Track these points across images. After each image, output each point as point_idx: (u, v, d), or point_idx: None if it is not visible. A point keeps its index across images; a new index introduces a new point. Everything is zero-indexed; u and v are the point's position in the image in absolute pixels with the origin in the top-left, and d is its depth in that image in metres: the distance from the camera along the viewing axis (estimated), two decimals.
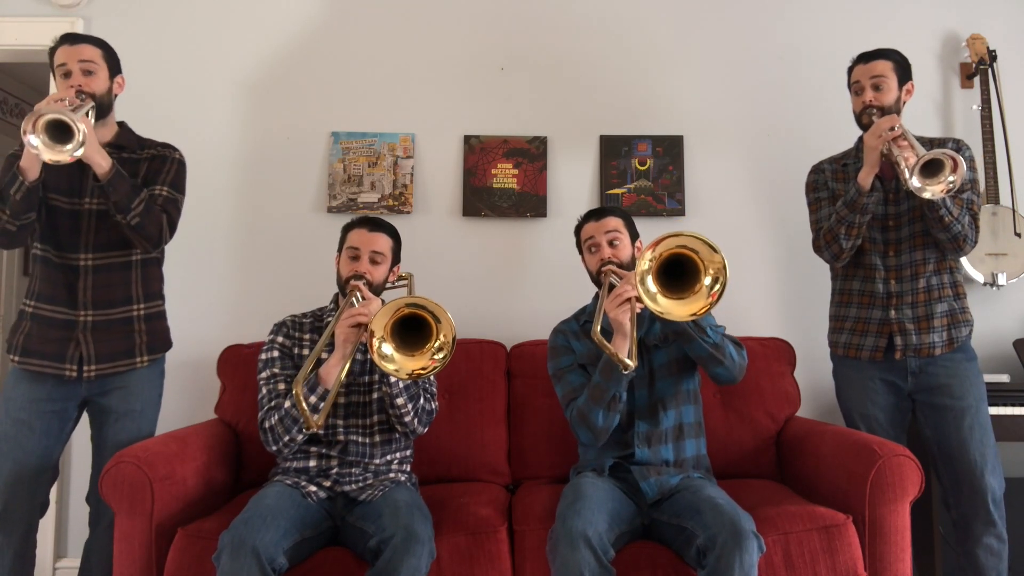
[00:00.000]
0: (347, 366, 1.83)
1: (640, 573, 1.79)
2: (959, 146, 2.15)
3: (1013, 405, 2.44)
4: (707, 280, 1.71)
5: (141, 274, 2.12)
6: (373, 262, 2.05)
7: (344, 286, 2.05)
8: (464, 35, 2.88)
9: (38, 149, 1.76)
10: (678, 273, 1.74)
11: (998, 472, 2.10)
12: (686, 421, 2.05)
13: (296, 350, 2.07)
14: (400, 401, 1.95)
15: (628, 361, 1.70)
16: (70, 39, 2.01)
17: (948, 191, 1.91)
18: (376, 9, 2.89)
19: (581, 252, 2.18)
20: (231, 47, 2.86)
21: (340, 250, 2.12)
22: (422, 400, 2.01)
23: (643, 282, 1.71)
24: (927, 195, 1.92)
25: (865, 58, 2.17)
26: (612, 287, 1.94)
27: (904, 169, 1.92)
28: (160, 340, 2.18)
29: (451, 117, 2.85)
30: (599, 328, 1.75)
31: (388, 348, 1.78)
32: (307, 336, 2.09)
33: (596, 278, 2.09)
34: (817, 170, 2.33)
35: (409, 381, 1.94)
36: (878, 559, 1.90)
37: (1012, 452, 2.57)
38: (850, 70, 2.21)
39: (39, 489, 2.04)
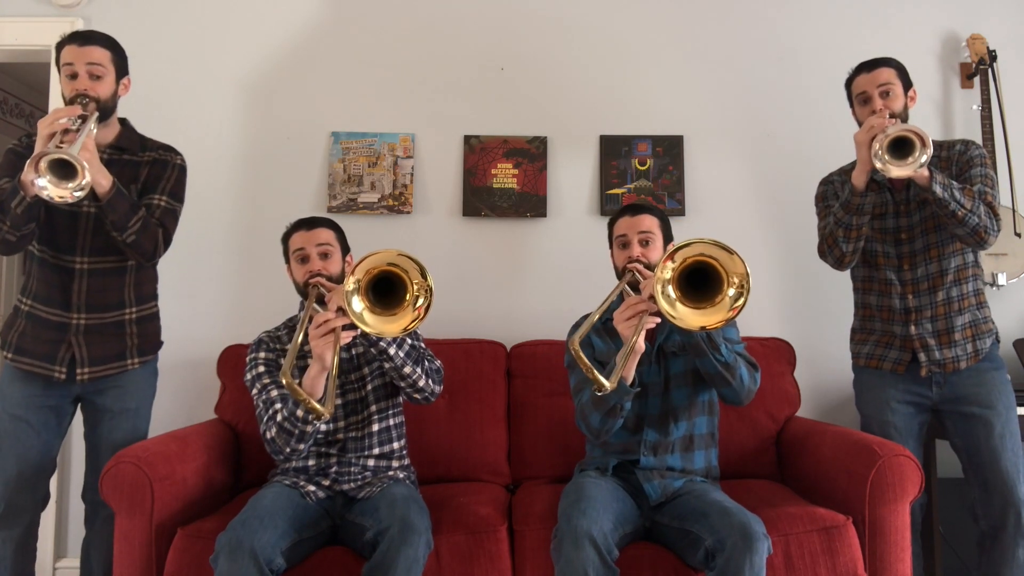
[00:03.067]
0: (335, 368, 1.78)
1: (641, 574, 1.79)
2: (967, 146, 2.11)
3: None
4: (731, 291, 1.66)
5: (135, 278, 2.11)
6: (324, 256, 2.02)
7: (304, 291, 2.00)
8: (464, 35, 2.88)
9: (47, 190, 1.77)
10: (702, 282, 1.70)
11: None
12: (697, 432, 2.02)
13: (281, 360, 2.05)
14: (408, 370, 1.93)
15: (605, 382, 1.64)
16: (80, 38, 1.98)
17: (913, 173, 1.88)
18: (376, 9, 2.89)
19: (611, 247, 2.13)
20: (231, 47, 2.86)
21: (288, 262, 2.09)
22: (427, 362, 2.00)
23: (663, 289, 1.67)
24: (892, 174, 1.89)
25: (868, 67, 2.11)
26: (633, 287, 1.92)
27: (875, 152, 1.89)
28: (150, 342, 2.16)
29: (451, 117, 2.85)
30: (578, 338, 1.71)
31: (373, 320, 1.74)
32: (287, 348, 2.06)
33: (621, 274, 2.04)
34: (826, 182, 2.29)
35: (408, 348, 1.94)
36: (878, 559, 1.90)
37: None
38: (850, 81, 2.16)
39: (40, 484, 2.06)
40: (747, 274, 1.64)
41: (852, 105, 2.19)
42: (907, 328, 2.11)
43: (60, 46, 1.99)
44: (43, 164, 1.75)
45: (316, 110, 2.84)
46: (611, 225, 2.13)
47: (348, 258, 2.10)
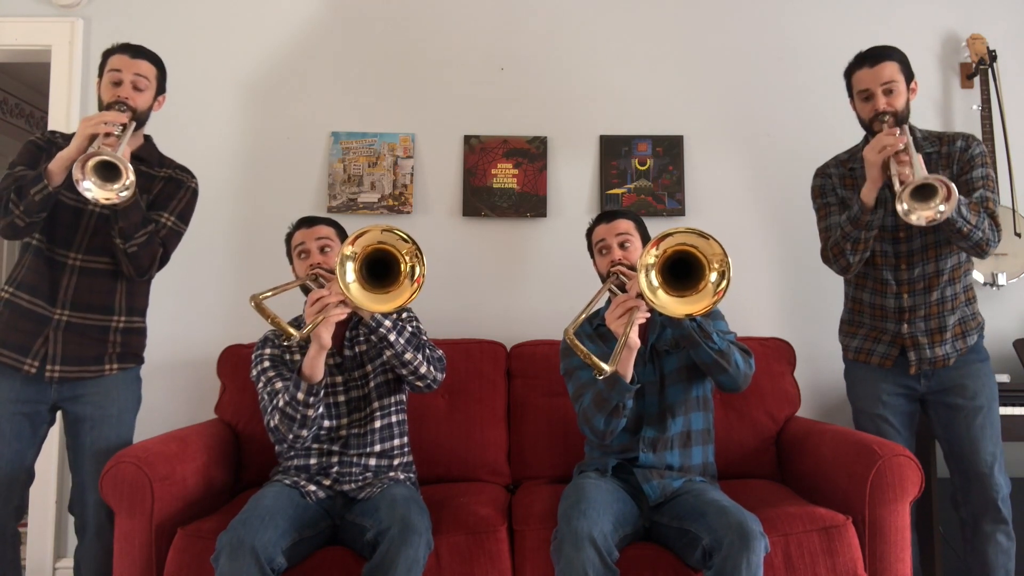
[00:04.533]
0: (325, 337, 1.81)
1: (641, 574, 1.79)
2: (968, 143, 2.09)
3: (1013, 405, 2.44)
4: (713, 276, 1.68)
5: (128, 288, 2.09)
6: (323, 250, 2.05)
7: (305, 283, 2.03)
8: (464, 35, 2.88)
9: (91, 191, 1.79)
10: (685, 272, 1.72)
11: (1004, 471, 2.09)
12: (695, 428, 2.03)
13: (287, 356, 2.07)
14: (409, 356, 1.95)
15: (604, 366, 1.63)
16: (131, 50, 2.03)
17: (933, 220, 1.84)
18: (376, 9, 2.89)
19: (592, 255, 2.16)
20: (232, 47, 2.86)
21: (291, 261, 2.13)
22: (427, 350, 2.02)
23: (647, 275, 1.69)
24: (912, 219, 1.84)
25: (870, 62, 2.06)
26: (620, 288, 1.93)
27: (896, 188, 1.86)
28: (132, 353, 2.13)
29: (451, 117, 2.85)
30: (573, 327, 1.71)
31: (359, 294, 1.74)
32: (293, 346, 2.08)
33: (605, 280, 2.06)
34: (823, 174, 2.26)
35: (409, 335, 1.96)
36: (878, 559, 1.90)
37: (1013, 452, 2.57)
38: (850, 73, 2.12)
39: (12, 494, 1.99)
40: (725, 254, 1.66)
41: (851, 96, 2.15)
42: (899, 326, 2.12)
43: (109, 53, 2.03)
44: (89, 166, 1.78)
45: (316, 110, 2.84)
46: (588, 235, 2.17)
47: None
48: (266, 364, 2.03)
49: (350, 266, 1.74)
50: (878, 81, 2.05)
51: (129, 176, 1.80)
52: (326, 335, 1.82)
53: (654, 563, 1.82)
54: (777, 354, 2.52)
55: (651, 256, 1.69)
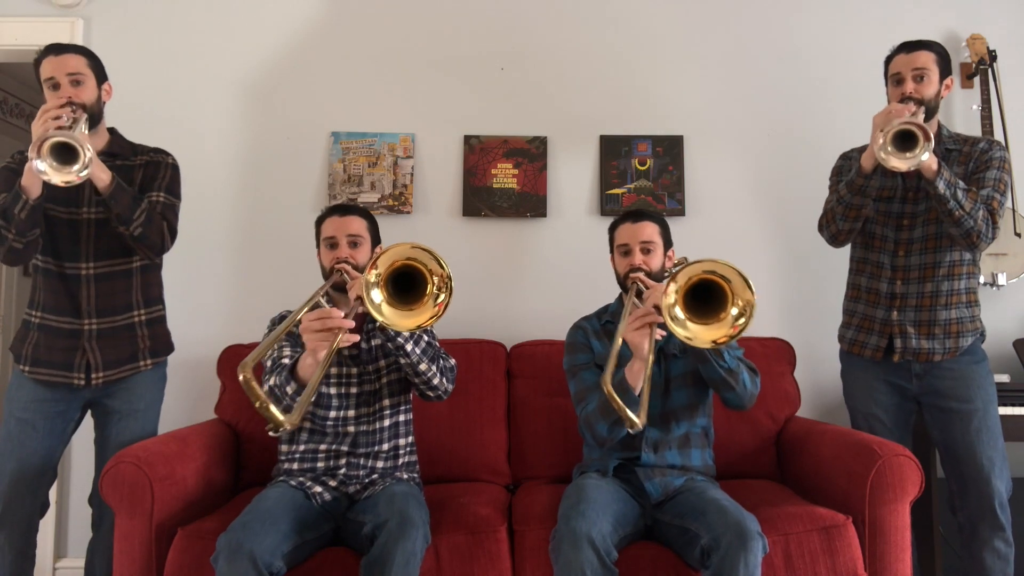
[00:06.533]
0: (316, 380, 1.63)
1: (641, 574, 1.79)
2: (991, 146, 2.09)
3: (1013, 405, 2.44)
4: (733, 311, 1.72)
5: (141, 280, 2.13)
6: (353, 245, 2.02)
7: (330, 275, 2.00)
8: (464, 35, 2.88)
9: (47, 174, 1.77)
10: (703, 297, 1.74)
11: (1005, 475, 2.06)
12: (694, 431, 2.04)
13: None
14: (423, 367, 1.93)
15: (635, 420, 1.59)
16: (54, 50, 2.00)
17: (910, 168, 1.86)
18: (376, 9, 2.89)
19: (612, 251, 2.14)
20: (231, 47, 2.86)
21: (318, 245, 2.10)
22: (441, 360, 2.01)
23: (671, 311, 1.71)
24: (890, 165, 1.87)
25: (908, 48, 2.07)
26: (638, 295, 1.92)
27: (878, 144, 1.87)
28: (162, 344, 2.20)
29: (451, 117, 2.85)
30: (610, 376, 1.63)
31: (390, 313, 1.72)
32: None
33: (623, 281, 2.06)
34: (846, 157, 2.28)
35: (424, 345, 1.94)
36: (878, 559, 1.90)
37: (1012, 452, 2.57)
38: (889, 59, 2.12)
39: (40, 489, 2.06)
40: (753, 305, 1.70)
41: (887, 83, 2.15)
42: (889, 313, 2.13)
43: (37, 63, 2.00)
44: (45, 148, 1.75)
45: (316, 110, 2.84)
46: (612, 231, 2.14)
47: (377, 249, 2.07)
48: None
49: (376, 291, 1.71)
50: (910, 66, 2.05)
51: (86, 153, 1.77)
52: (323, 352, 1.71)
53: (654, 562, 1.82)
54: (777, 354, 2.52)
55: (671, 295, 1.71)
